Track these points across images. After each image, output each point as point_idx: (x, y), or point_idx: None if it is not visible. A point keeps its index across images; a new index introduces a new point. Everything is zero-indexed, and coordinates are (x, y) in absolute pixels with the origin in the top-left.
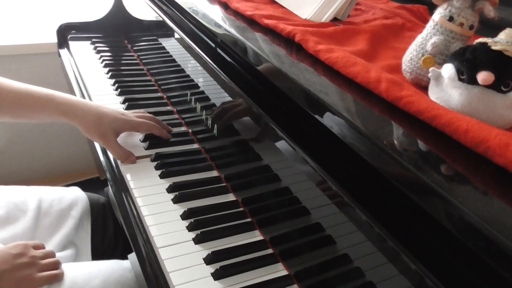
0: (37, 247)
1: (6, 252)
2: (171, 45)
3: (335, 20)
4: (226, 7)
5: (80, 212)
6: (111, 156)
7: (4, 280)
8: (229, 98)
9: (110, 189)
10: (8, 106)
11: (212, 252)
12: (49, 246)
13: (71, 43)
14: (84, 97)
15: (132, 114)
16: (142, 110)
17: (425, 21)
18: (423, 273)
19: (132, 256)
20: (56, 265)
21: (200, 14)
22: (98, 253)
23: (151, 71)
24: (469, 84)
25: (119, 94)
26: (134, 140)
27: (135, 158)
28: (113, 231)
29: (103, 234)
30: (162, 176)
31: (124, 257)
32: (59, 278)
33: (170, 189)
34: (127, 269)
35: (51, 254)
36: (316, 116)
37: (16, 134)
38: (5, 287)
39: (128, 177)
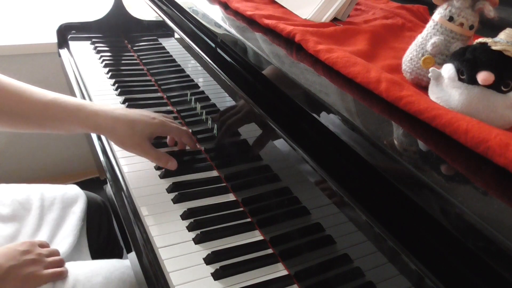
0: (42, 245)
1: (14, 249)
2: (171, 45)
3: (335, 20)
4: (226, 7)
5: (80, 209)
6: (111, 156)
7: (11, 275)
8: (229, 98)
9: (108, 188)
10: (36, 117)
11: (212, 252)
12: (56, 241)
13: (71, 43)
14: (84, 97)
15: (160, 115)
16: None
17: (425, 21)
18: (423, 273)
19: (132, 255)
20: (61, 263)
21: (200, 14)
22: (94, 251)
23: (151, 71)
24: (469, 84)
25: (119, 94)
26: None
27: (176, 163)
28: (107, 231)
29: (98, 232)
30: (162, 176)
31: (119, 257)
32: (63, 275)
33: (170, 189)
34: (129, 267)
35: (56, 252)
36: (316, 116)
37: (16, 134)
38: (12, 283)
39: (128, 177)
